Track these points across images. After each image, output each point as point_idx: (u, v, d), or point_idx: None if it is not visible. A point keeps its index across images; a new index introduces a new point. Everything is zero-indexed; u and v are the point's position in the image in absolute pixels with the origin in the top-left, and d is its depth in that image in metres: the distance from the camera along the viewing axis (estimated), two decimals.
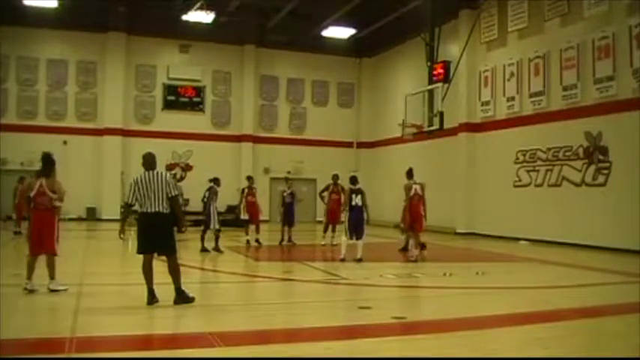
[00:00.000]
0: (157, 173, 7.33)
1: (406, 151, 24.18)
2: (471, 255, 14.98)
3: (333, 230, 15.53)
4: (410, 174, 13.03)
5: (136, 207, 7.32)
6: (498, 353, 5.37)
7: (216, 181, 14.27)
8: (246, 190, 15.30)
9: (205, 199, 13.88)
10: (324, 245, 15.32)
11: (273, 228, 18.58)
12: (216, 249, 13.51)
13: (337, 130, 27.86)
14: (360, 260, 11.83)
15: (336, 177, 15.81)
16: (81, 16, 23.34)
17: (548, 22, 17.67)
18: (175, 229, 7.57)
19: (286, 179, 16.91)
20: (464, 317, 7.00)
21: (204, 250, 13.49)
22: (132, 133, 24.73)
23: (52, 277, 7.60)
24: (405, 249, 13.98)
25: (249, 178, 15.77)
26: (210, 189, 13.95)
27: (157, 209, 7.15)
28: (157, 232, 7.22)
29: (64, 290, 7.54)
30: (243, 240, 15.37)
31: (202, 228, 13.92)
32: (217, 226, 13.67)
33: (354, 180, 12.39)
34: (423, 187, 12.96)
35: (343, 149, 28.05)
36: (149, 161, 7.48)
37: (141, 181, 7.25)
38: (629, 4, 15.07)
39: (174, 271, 7.24)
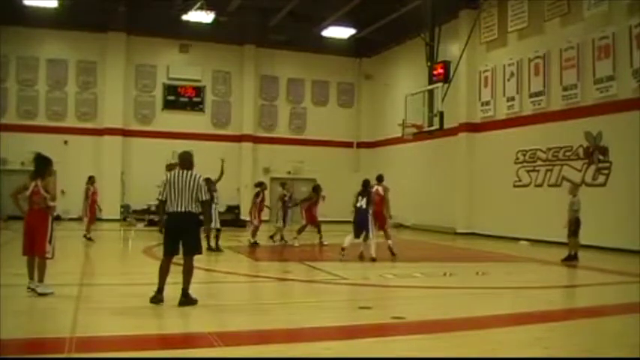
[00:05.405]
0: (192, 175, 7.24)
1: (406, 151, 24.20)
2: (471, 255, 14.97)
3: (319, 232, 15.75)
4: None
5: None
6: (498, 353, 5.37)
7: (207, 181, 14.30)
8: (261, 195, 15.30)
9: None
10: (299, 246, 15.17)
11: (273, 228, 18.55)
12: (217, 248, 13.56)
13: (337, 130, 27.87)
14: (374, 260, 11.94)
15: (318, 187, 16.23)
16: (81, 16, 23.34)
17: (548, 22, 17.67)
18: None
19: (282, 184, 16.85)
20: (464, 317, 7.00)
21: (210, 248, 13.57)
22: (132, 133, 24.77)
23: (40, 279, 7.54)
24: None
25: (263, 184, 15.91)
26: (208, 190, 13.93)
27: (187, 209, 7.09)
28: (184, 232, 7.14)
29: (51, 293, 7.49)
30: (246, 240, 15.36)
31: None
32: (218, 226, 13.70)
33: (366, 184, 12.58)
34: (385, 189, 13.16)
35: (343, 149, 28.07)
36: (185, 160, 7.41)
37: (174, 179, 7.18)
38: (629, 4, 15.08)
39: (188, 272, 7.18)
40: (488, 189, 20.16)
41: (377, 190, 12.95)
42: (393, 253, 12.64)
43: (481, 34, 20.37)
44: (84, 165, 23.38)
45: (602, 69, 15.76)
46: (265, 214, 16.44)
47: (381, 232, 12.98)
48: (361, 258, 12.32)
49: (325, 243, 15.50)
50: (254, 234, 15.31)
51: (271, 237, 15.96)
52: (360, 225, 12.22)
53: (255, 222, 15.19)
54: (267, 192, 16.25)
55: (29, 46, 23.66)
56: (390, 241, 12.89)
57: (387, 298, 8.80)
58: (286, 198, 15.98)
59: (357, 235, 12.30)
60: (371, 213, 12.23)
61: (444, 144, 21.49)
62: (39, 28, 23.29)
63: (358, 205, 12.21)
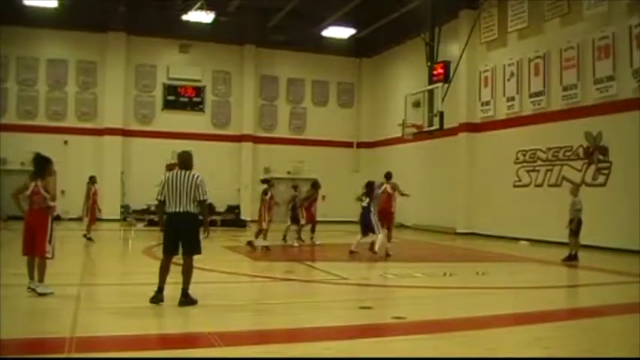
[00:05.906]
0: (190, 175, 7.21)
1: (406, 151, 24.20)
2: (471, 255, 14.97)
3: (312, 231, 15.87)
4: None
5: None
6: (498, 353, 5.36)
7: None
8: (269, 192, 14.98)
9: None
10: (298, 246, 15.11)
11: (275, 228, 18.56)
12: None
13: (337, 130, 27.87)
14: (372, 248, 12.23)
15: (316, 183, 16.34)
16: (81, 16, 23.36)
17: (548, 22, 17.67)
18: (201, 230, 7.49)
19: (295, 187, 16.71)
20: (464, 317, 7.00)
21: None
22: (132, 133, 24.78)
23: (40, 279, 7.53)
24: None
25: (271, 181, 15.74)
26: None
27: (185, 209, 7.08)
28: (184, 232, 7.13)
29: (51, 293, 7.49)
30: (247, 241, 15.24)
31: None
32: None
33: (369, 185, 12.96)
34: (394, 187, 13.35)
35: (343, 149, 28.07)
36: (184, 160, 7.38)
37: (172, 179, 7.15)
38: (629, 4, 15.08)
39: (188, 272, 7.17)
40: (488, 189, 20.16)
41: (385, 188, 13.13)
42: (387, 254, 12.77)
43: (481, 34, 20.37)
44: (84, 165, 23.37)
45: (602, 69, 15.76)
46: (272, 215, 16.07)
47: (386, 231, 13.01)
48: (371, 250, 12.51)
49: (317, 242, 15.51)
50: (263, 235, 14.51)
51: (298, 237, 15.70)
52: (365, 224, 12.61)
53: (264, 224, 14.46)
54: (260, 189, 16.02)
55: (29, 46, 23.66)
56: (388, 244, 13.00)
57: (387, 298, 8.80)
58: (297, 199, 15.99)
59: (364, 234, 12.69)
60: (374, 212, 12.50)
61: (444, 144, 21.49)
62: (39, 28, 23.29)
63: (363, 204, 12.62)
